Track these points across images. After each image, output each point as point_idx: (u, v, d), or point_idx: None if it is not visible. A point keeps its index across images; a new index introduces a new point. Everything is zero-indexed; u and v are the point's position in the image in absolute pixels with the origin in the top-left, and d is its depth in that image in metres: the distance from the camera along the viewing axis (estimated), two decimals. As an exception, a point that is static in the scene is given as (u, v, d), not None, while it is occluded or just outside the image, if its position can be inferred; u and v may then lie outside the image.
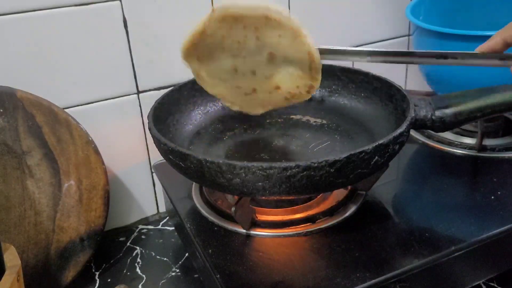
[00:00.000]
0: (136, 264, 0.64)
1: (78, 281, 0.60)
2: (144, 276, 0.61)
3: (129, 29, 0.63)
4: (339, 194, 0.57)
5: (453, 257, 0.48)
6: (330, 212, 0.54)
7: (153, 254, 0.65)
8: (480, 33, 0.61)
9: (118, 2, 0.61)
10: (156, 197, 0.74)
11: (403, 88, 0.59)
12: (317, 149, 0.58)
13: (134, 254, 0.66)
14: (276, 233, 0.52)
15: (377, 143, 0.44)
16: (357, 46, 0.52)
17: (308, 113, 0.64)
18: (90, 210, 0.61)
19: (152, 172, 0.72)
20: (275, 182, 0.43)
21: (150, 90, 0.68)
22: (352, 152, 0.43)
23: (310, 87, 0.50)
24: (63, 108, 0.61)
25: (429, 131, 0.71)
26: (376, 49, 0.48)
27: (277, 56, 0.48)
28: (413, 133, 0.72)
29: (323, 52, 0.47)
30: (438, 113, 0.52)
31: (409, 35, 0.86)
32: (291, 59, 0.48)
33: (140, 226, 0.72)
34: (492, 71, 0.64)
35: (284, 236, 0.52)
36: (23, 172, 0.57)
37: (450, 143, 0.69)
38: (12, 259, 0.42)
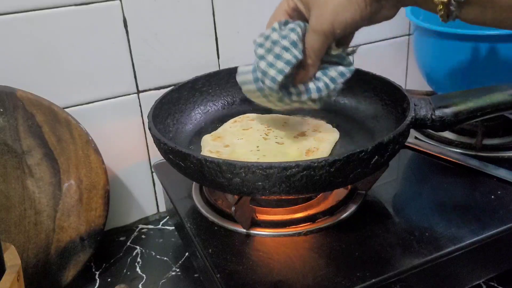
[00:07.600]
0: (136, 263, 0.64)
1: (78, 280, 0.60)
2: (144, 275, 0.61)
3: (129, 28, 0.63)
4: (339, 193, 0.57)
5: (453, 257, 0.48)
6: (330, 212, 0.54)
7: (153, 253, 0.65)
8: (480, 33, 0.61)
9: (118, 2, 0.61)
10: (156, 197, 0.74)
11: (403, 87, 0.59)
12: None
13: (134, 253, 0.66)
14: (276, 233, 0.52)
15: (377, 143, 0.44)
16: (356, 46, 0.52)
17: (308, 113, 0.64)
18: (90, 210, 0.61)
19: (152, 172, 0.72)
20: (275, 182, 0.43)
21: (150, 89, 0.68)
22: (352, 152, 0.43)
23: None
24: (63, 108, 0.61)
25: (429, 130, 0.71)
26: None
27: None
28: (413, 132, 0.72)
29: None
30: (438, 112, 0.52)
31: (409, 35, 0.86)
32: None
33: (140, 226, 0.72)
34: (492, 71, 0.64)
35: (284, 235, 0.52)
36: (23, 172, 0.57)
37: (450, 143, 0.69)
38: (12, 258, 0.42)
